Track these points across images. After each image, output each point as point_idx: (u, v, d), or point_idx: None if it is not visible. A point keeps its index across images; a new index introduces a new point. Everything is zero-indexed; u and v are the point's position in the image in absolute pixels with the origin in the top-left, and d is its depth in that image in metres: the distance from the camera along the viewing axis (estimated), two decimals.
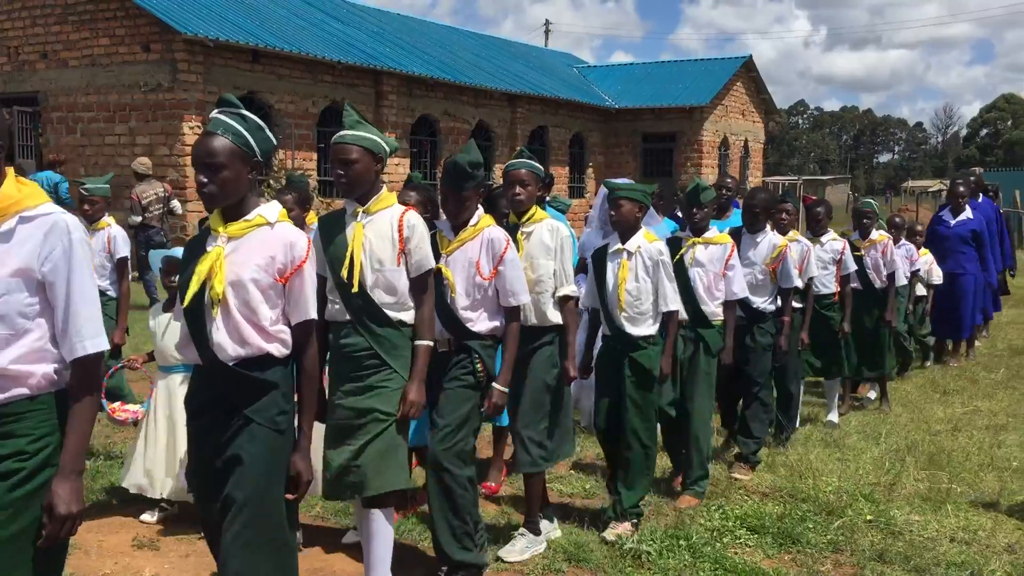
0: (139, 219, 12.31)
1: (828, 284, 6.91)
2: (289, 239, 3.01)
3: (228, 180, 2.95)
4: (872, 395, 8.18)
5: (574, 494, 5.52)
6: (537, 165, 4.59)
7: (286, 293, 3.03)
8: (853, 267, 7.04)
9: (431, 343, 3.77)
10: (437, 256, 4.05)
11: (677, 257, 5.36)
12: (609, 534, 4.73)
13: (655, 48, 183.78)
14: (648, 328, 4.88)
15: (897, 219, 8.68)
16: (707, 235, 5.48)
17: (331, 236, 3.77)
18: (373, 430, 3.64)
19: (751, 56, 29.75)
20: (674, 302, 4.90)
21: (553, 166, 25.86)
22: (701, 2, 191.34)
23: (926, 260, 9.34)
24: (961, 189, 9.73)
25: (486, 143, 24.08)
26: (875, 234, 7.50)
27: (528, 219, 4.59)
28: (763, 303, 5.99)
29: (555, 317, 4.55)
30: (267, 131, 3.09)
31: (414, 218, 3.74)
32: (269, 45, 17.64)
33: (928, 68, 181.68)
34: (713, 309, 5.42)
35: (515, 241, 4.41)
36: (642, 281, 4.85)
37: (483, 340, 4.12)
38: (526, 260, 4.48)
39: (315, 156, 19.21)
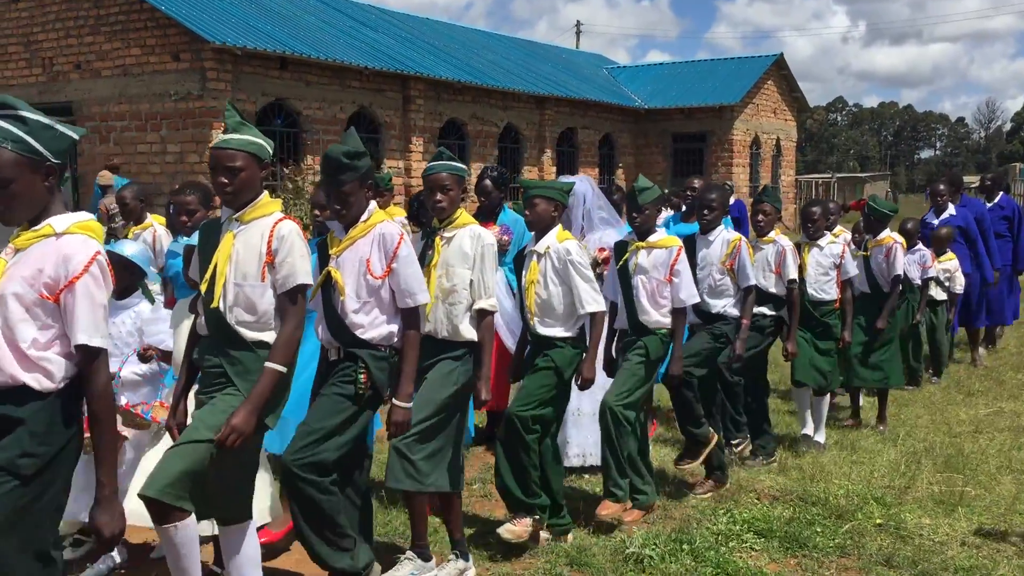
0: (105, 229, 12.62)
1: (828, 290, 6.44)
2: (65, 252, 2.61)
3: (16, 194, 2.59)
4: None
5: (575, 498, 5.52)
6: (459, 166, 4.30)
7: (61, 312, 2.63)
8: (853, 272, 6.60)
9: (282, 368, 3.37)
10: (326, 261, 3.83)
11: (621, 262, 5.14)
12: (504, 531, 4.55)
13: (690, 47, 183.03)
14: (563, 331, 4.63)
15: (909, 225, 8.36)
16: (652, 238, 5.13)
17: (206, 245, 3.52)
18: (184, 438, 3.34)
19: (782, 54, 29.47)
20: (592, 303, 4.57)
21: (583, 168, 25.81)
22: None
23: (950, 266, 8.97)
24: (941, 188, 9.56)
25: (514, 146, 24.12)
26: (883, 235, 7.14)
27: (449, 223, 4.28)
28: (724, 307, 5.61)
29: (469, 332, 4.21)
30: (58, 127, 2.67)
31: (287, 228, 3.41)
32: (297, 52, 17.80)
33: (971, 62, 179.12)
34: (657, 318, 5.07)
35: (433, 246, 4.23)
36: (552, 284, 4.60)
37: (374, 349, 3.80)
38: (442, 267, 4.21)
39: None
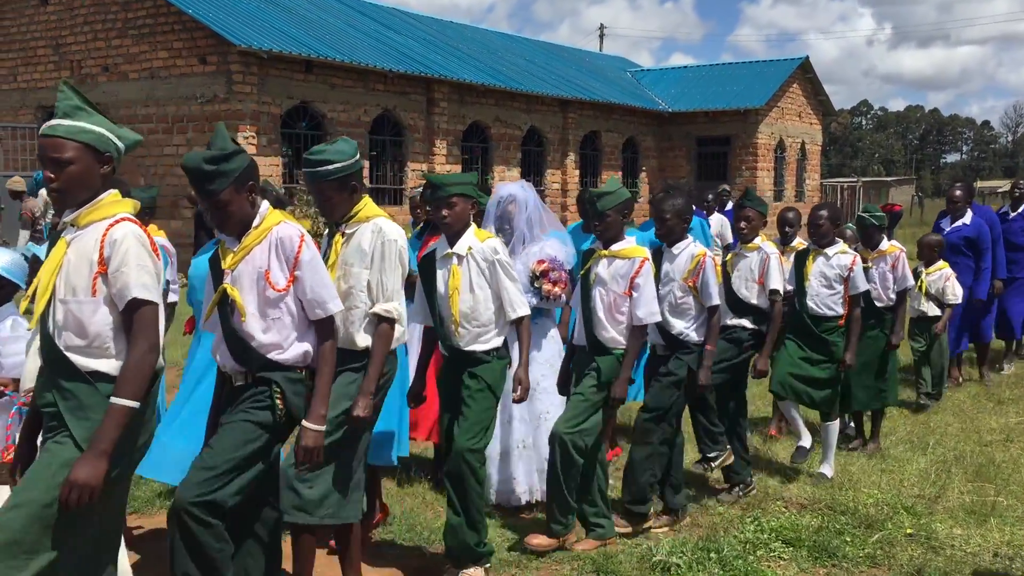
0: (28, 232, 12.70)
1: (834, 306, 5.79)
2: None
3: None
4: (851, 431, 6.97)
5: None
6: (327, 170, 3.73)
7: None
8: (865, 286, 5.90)
9: (130, 404, 2.78)
10: (219, 277, 3.30)
11: (584, 271, 4.75)
12: None
13: (714, 49, 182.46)
14: (491, 341, 4.23)
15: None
16: (616, 247, 4.68)
17: (49, 256, 2.94)
18: (6, 503, 2.81)
19: (807, 57, 29.31)
20: (523, 307, 4.21)
21: (606, 171, 25.79)
22: (761, 2, 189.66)
23: (940, 275, 7.95)
24: (958, 193, 8.78)
25: (538, 149, 24.10)
26: (885, 244, 6.68)
27: (350, 218, 3.83)
28: (684, 328, 4.97)
29: (366, 341, 3.77)
30: None
31: (123, 231, 2.82)
32: (322, 55, 17.89)
33: (999, 65, 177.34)
34: (614, 335, 4.63)
35: (332, 244, 3.83)
36: (478, 288, 4.18)
37: (289, 371, 3.29)
38: (340, 268, 3.78)
39: (367, 164, 19.41)
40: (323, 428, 3.34)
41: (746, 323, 5.56)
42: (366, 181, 19.01)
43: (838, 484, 5.75)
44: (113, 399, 2.78)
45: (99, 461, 2.72)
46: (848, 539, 4.83)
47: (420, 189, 5.70)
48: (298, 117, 18.08)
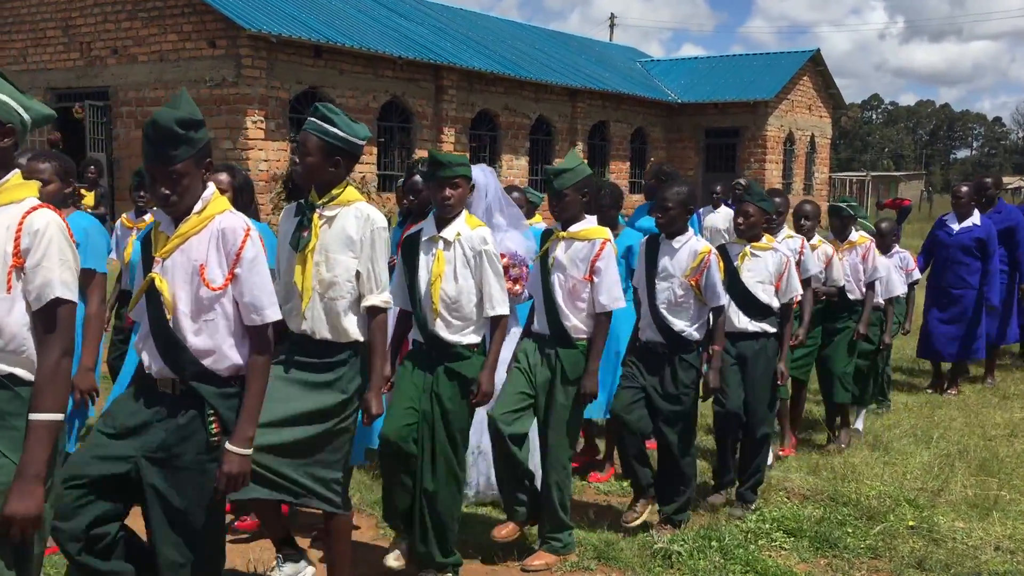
0: None
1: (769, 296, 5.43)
2: None
3: None
4: (859, 425, 6.80)
5: (611, 492, 5.50)
6: (323, 127, 3.49)
7: None
8: (815, 269, 5.85)
9: (54, 418, 2.47)
10: (149, 263, 2.91)
11: (541, 253, 4.47)
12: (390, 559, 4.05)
13: (725, 41, 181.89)
14: (471, 335, 4.00)
15: (884, 225, 7.44)
16: (574, 228, 4.38)
17: None
18: None
19: (819, 50, 29.19)
20: (502, 305, 3.98)
21: (614, 161, 25.76)
22: None
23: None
24: (964, 189, 8.40)
25: (546, 138, 24.06)
26: (855, 235, 6.46)
27: (331, 199, 3.53)
28: (687, 326, 4.68)
29: (356, 332, 3.53)
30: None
31: (43, 220, 2.48)
32: (331, 40, 17.87)
33: (1012, 61, 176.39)
34: (575, 323, 4.34)
35: (310, 226, 3.51)
36: (462, 278, 3.95)
37: (223, 386, 2.90)
38: (320, 254, 3.49)
39: (375, 150, 19.41)
40: (250, 452, 2.90)
41: (768, 327, 5.15)
42: (373, 168, 19.01)
43: (840, 476, 5.74)
44: (34, 416, 2.45)
45: (34, 488, 2.44)
46: (850, 530, 4.83)
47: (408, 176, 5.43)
48: (307, 102, 18.06)
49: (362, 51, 18.45)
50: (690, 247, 4.70)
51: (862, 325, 6.37)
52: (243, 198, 4.50)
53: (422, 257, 4.01)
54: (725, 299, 4.76)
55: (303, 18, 18.56)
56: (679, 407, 4.69)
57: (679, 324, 4.68)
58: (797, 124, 28.62)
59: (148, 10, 17.67)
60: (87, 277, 4.13)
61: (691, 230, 4.82)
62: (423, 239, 4.04)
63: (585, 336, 4.37)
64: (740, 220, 5.24)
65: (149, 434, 2.87)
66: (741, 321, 5.16)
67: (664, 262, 4.71)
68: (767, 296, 5.16)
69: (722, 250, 5.15)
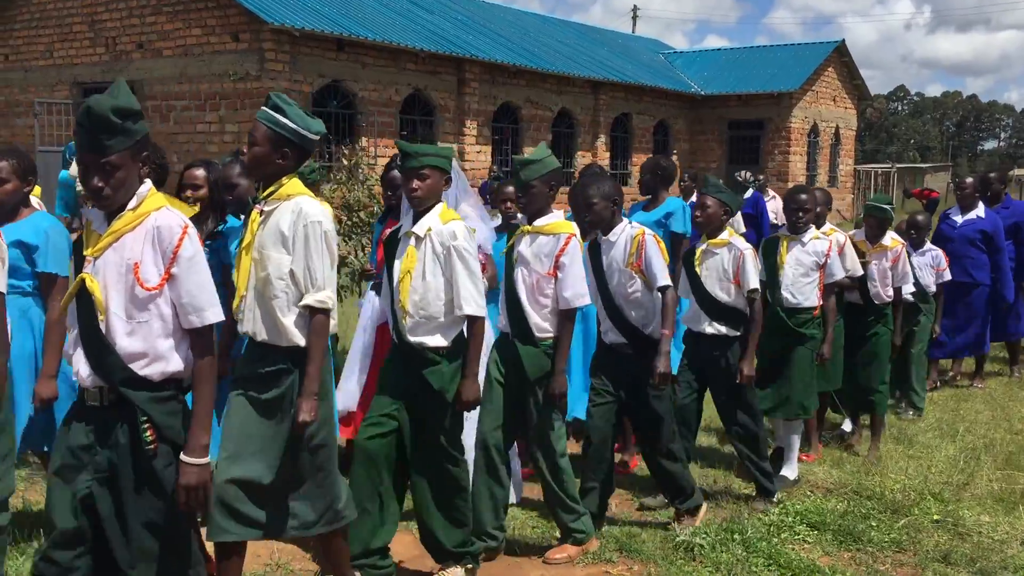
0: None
1: (807, 295, 5.45)
2: None
3: None
4: (847, 426, 6.68)
5: (633, 484, 5.50)
6: (274, 116, 3.35)
7: None
8: (840, 274, 5.57)
9: None
10: (81, 261, 2.79)
11: (507, 249, 4.35)
12: None
13: (749, 32, 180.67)
14: (438, 338, 3.80)
15: (920, 217, 7.31)
16: (540, 222, 4.25)
17: None
18: None
19: (843, 40, 28.89)
20: (473, 304, 3.76)
21: (636, 153, 25.65)
22: None
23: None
24: (968, 180, 8.22)
25: (568, 131, 24.01)
26: (887, 239, 6.23)
27: (271, 194, 3.32)
28: (645, 322, 4.53)
29: (297, 335, 3.29)
30: None
31: None
32: (354, 34, 17.90)
33: None
34: (537, 320, 4.19)
35: (248, 223, 3.36)
36: (431, 275, 3.76)
37: (156, 390, 2.76)
38: (256, 250, 3.31)
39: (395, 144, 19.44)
40: (206, 461, 2.77)
41: (724, 329, 4.96)
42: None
43: (865, 470, 5.71)
44: None
45: None
46: (874, 524, 4.82)
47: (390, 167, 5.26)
48: (329, 96, 18.12)
49: (385, 44, 18.47)
50: (625, 235, 4.54)
51: (897, 336, 6.24)
52: (219, 194, 4.39)
53: (398, 254, 3.88)
54: (668, 280, 4.50)
55: (326, 11, 18.60)
56: (652, 412, 4.58)
57: (637, 318, 4.53)
58: (822, 116, 28.37)
59: (172, 4, 17.78)
60: (48, 281, 3.97)
61: (625, 220, 4.65)
62: (400, 235, 3.91)
63: (549, 335, 4.22)
64: (698, 213, 4.98)
65: (96, 458, 2.78)
66: (702, 322, 5.01)
67: (605, 259, 4.58)
68: (726, 295, 4.95)
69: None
